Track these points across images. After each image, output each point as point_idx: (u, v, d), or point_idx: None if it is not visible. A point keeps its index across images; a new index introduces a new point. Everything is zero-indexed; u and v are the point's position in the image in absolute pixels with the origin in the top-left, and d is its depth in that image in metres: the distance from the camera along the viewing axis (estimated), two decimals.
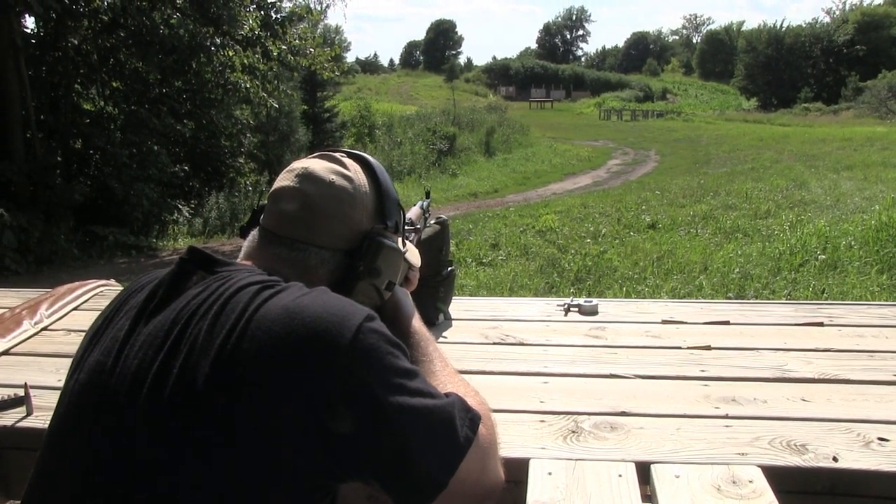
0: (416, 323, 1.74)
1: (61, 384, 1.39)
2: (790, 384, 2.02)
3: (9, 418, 1.96)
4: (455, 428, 1.30)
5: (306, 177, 1.52)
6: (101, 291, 3.21)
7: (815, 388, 1.99)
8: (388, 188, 1.62)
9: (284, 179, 1.55)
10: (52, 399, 1.38)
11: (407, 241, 1.79)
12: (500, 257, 11.08)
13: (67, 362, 1.42)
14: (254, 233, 1.56)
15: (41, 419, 1.93)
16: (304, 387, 1.20)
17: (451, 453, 1.29)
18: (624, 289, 8.73)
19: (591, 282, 9.26)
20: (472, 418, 1.35)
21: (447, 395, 1.37)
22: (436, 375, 1.55)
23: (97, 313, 1.48)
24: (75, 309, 2.99)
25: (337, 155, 1.60)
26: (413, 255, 1.90)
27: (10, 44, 13.26)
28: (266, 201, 1.58)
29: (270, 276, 1.39)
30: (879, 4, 78.71)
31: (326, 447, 1.20)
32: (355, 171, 1.58)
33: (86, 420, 1.28)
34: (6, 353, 2.51)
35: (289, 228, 1.50)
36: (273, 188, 1.56)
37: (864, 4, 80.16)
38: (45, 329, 2.75)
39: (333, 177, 1.53)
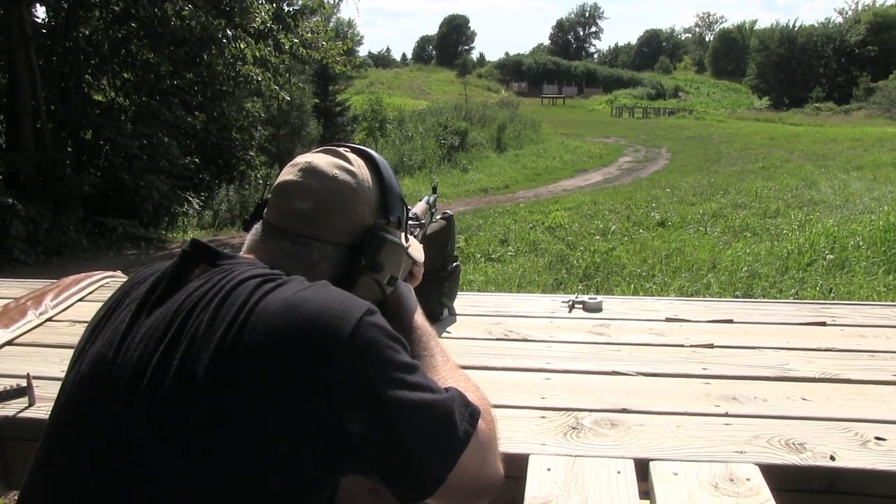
0: (419, 318, 1.73)
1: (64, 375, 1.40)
2: (791, 383, 2.02)
3: (11, 409, 1.96)
4: (454, 422, 1.31)
5: (310, 171, 1.52)
6: (107, 283, 3.22)
7: (815, 387, 1.99)
8: (391, 183, 1.62)
9: (288, 174, 1.55)
10: (55, 390, 1.39)
11: (410, 237, 1.79)
12: (509, 253, 11.08)
13: (71, 353, 1.43)
14: (257, 226, 1.56)
15: (43, 410, 1.93)
16: (304, 380, 1.20)
17: (450, 448, 1.29)
18: (632, 286, 8.71)
19: (599, 279, 9.25)
20: (472, 413, 1.35)
21: (447, 389, 1.37)
22: (437, 370, 1.55)
23: (102, 305, 1.49)
24: (81, 300, 2.99)
25: (341, 149, 1.61)
26: (416, 251, 1.91)
27: (21, 33, 13.28)
28: (270, 195, 1.58)
29: (272, 270, 1.39)
30: (892, 5, 78.48)
31: (325, 440, 1.21)
32: (359, 165, 1.58)
33: (86, 411, 1.29)
34: (10, 343, 2.52)
35: (291, 223, 1.50)
36: (276, 182, 1.56)
37: (877, 5, 79.93)
38: (49, 320, 2.76)
39: (337, 171, 1.53)
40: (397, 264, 1.64)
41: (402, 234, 1.67)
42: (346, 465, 1.26)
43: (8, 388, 2.02)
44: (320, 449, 1.21)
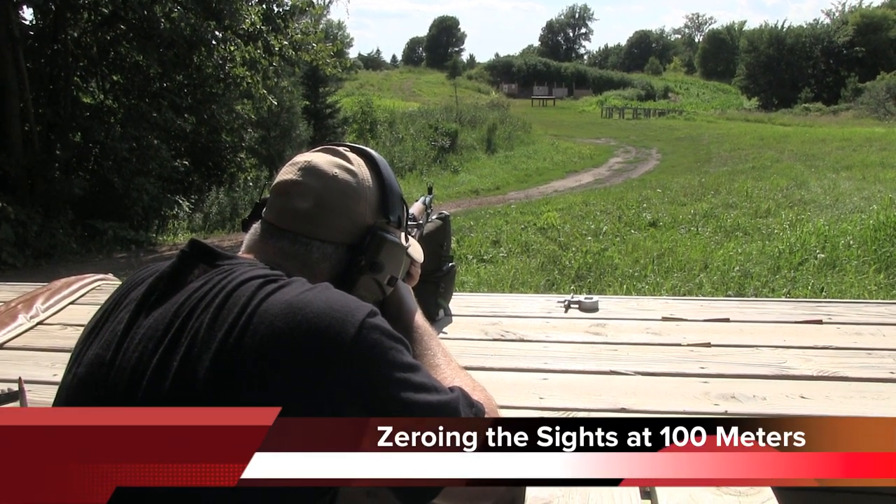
0: (419, 318, 1.72)
1: (56, 378, 1.38)
2: (789, 381, 2.02)
3: None
4: None
5: (309, 170, 1.52)
6: (98, 286, 3.20)
7: (813, 385, 1.99)
8: (391, 182, 1.62)
9: (287, 173, 1.54)
10: (47, 393, 1.37)
11: (409, 236, 1.79)
12: (501, 254, 11.06)
13: (63, 357, 1.41)
14: (256, 226, 1.55)
15: None
16: (308, 383, 1.19)
17: None
18: (624, 286, 8.71)
19: (591, 279, 9.25)
20: (477, 412, 1.35)
21: (451, 388, 1.36)
22: (439, 369, 1.54)
23: (94, 308, 1.47)
24: (72, 303, 2.98)
25: (340, 149, 1.60)
26: (415, 251, 1.90)
27: (8, 35, 13.22)
28: (268, 194, 1.57)
29: (273, 271, 1.39)
30: (878, 7, 78.67)
31: None
32: (359, 165, 1.58)
33: None
34: (1, 347, 2.50)
35: (291, 222, 1.49)
36: (275, 181, 1.56)
37: (863, 6, 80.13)
38: (40, 323, 2.74)
39: (337, 171, 1.52)
40: (397, 264, 1.64)
41: (402, 234, 1.67)
42: None
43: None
44: None
